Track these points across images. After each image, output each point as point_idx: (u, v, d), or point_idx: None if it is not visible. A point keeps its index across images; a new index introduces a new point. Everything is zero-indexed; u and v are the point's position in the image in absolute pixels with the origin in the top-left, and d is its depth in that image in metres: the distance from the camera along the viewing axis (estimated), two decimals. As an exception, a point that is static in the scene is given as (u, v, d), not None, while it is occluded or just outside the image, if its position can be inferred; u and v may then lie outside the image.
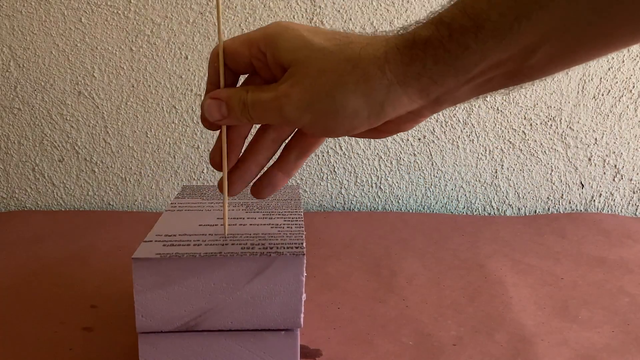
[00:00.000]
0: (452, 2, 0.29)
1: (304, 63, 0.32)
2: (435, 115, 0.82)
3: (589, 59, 0.29)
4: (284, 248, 0.35)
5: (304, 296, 0.35)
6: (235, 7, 0.77)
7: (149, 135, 0.81)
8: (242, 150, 0.38)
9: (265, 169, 0.39)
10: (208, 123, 0.36)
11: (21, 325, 0.47)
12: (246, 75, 0.37)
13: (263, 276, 0.34)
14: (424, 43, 0.29)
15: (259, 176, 0.39)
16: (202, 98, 0.37)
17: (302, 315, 0.35)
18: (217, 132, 0.37)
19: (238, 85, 0.37)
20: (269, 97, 0.33)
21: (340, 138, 0.82)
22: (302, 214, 0.44)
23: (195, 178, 0.83)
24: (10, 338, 0.45)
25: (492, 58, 0.29)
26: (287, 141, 0.38)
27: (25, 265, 0.60)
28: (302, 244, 0.36)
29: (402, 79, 0.30)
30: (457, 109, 0.82)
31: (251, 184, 0.39)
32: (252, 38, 0.34)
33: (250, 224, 0.41)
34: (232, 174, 0.38)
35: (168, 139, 0.81)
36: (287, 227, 0.40)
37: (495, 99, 0.80)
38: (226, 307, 0.34)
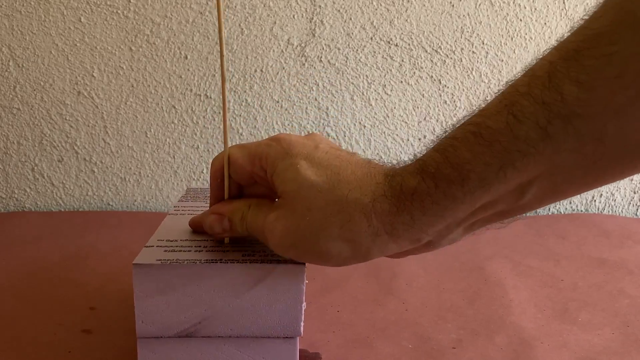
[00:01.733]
0: (434, 146, 0.29)
1: (293, 198, 0.31)
2: (435, 114, 0.82)
3: (582, 192, 0.29)
4: None
5: (304, 305, 0.35)
6: (235, 6, 0.77)
7: (148, 135, 0.81)
8: None
9: None
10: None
11: (19, 326, 0.47)
12: None
13: (264, 284, 0.34)
14: (412, 194, 0.28)
15: None
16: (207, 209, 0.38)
17: (302, 323, 0.35)
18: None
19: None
20: (259, 225, 0.33)
21: (340, 134, 0.82)
22: None
23: (195, 178, 0.83)
24: (8, 340, 0.45)
25: (482, 203, 0.28)
26: None
27: (23, 266, 0.60)
28: None
29: (390, 229, 0.29)
30: (457, 108, 0.82)
31: None
32: (256, 155, 0.34)
33: None
34: None
35: (167, 139, 0.81)
36: None
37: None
38: (226, 314, 0.34)
